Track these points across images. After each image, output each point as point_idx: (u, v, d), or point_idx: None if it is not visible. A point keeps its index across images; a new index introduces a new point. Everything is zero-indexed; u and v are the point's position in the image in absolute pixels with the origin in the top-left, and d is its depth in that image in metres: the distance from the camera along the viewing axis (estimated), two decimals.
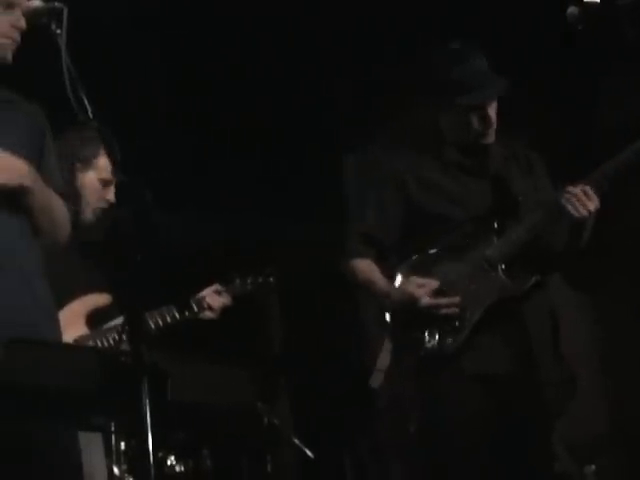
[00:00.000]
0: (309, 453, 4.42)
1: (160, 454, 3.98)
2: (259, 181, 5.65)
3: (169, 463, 4.12)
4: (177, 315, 3.88)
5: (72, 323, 3.55)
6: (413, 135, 3.63)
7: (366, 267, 3.51)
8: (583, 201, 3.28)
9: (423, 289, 3.35)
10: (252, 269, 4.37)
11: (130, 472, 3.67)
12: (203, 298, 4.07)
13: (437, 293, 3.36)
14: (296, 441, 4.43)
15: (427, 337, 3.35)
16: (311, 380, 5.78)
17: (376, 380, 3.52)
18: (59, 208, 2.65)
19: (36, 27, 2.48)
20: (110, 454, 3.60)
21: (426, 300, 3.34)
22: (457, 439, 3.28)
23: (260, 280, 4.37)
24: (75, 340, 3.58)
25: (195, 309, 4.01)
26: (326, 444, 4.95)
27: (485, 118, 3.42)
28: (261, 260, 4.50)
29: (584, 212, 3.29)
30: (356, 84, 5.55)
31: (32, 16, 2.47)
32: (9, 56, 2.58)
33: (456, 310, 3.34)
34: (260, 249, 5.26)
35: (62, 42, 2.35)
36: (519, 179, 3.51)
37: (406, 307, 3.37)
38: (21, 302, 2.47)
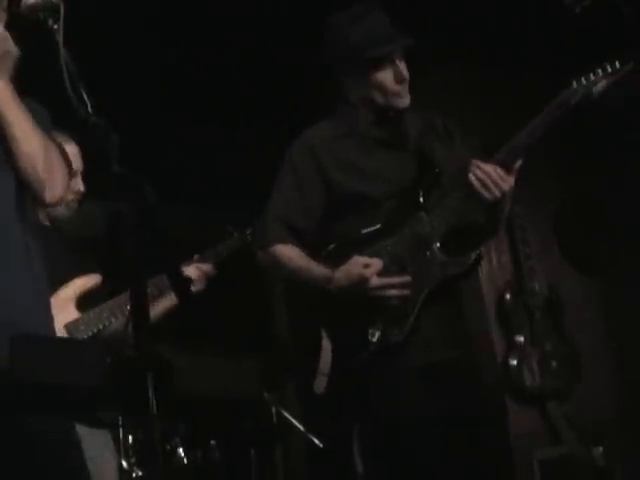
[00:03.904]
0: (317, 442, 4.42)
1: (168, 446, 3.99)
2: (257, 165, 5.65)
3: (177, 455, 4.13)
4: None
5: (62, 309, 3.54)
6: (334, 113, 3.39)
7: (293, 253, 3.24)
8: (496, 182, 3.05)
9: (370, 269, 3.08)
10: (224, 232, 4.10)
11: (139, 465, 3.68)
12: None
13: (383, 273, 3.09)
14: (304, 431, 4.44)
15: (370, 331, 3.07)
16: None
17: (320, 385, 3.13)
18: (46, 144, 2.49)
19: (33, 23, 2.48)
20: (118, 448, 3.61)
21: (376, 280, 3.08)
22: (410, 436, 3.03)
23: (236, 236, 4.10)
24: (66, 325, 3.58)
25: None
26: (334, 433, 4.95)
27: (397, 72, 3.19)
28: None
29: (497, 194, 3.06)
30: None
31: (29, 12, 2.47)
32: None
33: (407, 292, 3.08)
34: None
35: (59, 37, 2.35)
36: (439, 151, 3.28)
37: (353, 291, 3.08)
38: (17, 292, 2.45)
